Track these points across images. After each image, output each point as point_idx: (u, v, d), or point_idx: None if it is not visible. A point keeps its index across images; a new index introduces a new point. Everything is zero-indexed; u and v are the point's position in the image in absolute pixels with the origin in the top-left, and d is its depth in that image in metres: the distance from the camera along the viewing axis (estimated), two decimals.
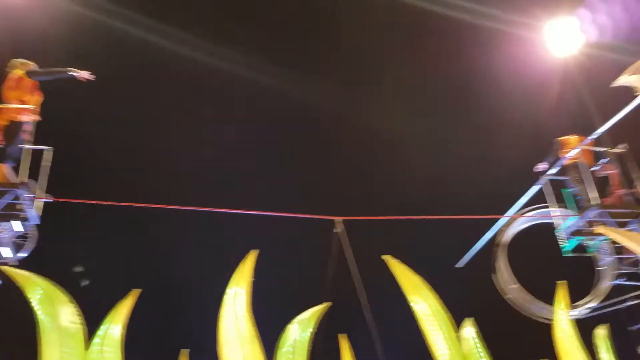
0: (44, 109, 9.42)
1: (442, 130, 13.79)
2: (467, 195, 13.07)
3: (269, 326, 8.38)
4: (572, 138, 10.96)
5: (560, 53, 12.43)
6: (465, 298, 11.05)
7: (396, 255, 10.27)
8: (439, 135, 13.78)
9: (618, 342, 10.53)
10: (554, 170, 10.65)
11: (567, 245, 10.37)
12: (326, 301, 9.27)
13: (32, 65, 9.55)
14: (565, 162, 10.63)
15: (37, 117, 9.37)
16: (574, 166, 10.52)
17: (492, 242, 11.34)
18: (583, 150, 10.51)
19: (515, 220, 11.30)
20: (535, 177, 10.75)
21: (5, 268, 7.41)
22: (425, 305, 7.55)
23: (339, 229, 10.05)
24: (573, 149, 10.61)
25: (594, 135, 10.19)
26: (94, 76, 9.41)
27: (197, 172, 13.13)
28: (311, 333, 7.93)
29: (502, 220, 11.19)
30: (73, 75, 9.30)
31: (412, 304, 7.64)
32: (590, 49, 12.33)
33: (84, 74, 9.34)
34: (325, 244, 10.04)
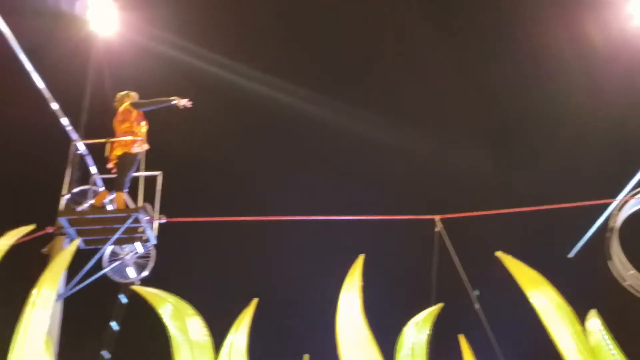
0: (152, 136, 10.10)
1: (536, 114, 13.28)
2: (572, 181, 12.51)
3: (380, 330, 8.45)
4: None
5: None
6: (580, 289, 10.59)
7: (503, 250, 10.04)
8: (535, 118, 13.29)
9: None
10: None
11: None
12: (435, 302, 9.20)
13: (135, 96, 10.23)
14: None
15: (146, 146, 10.04)
16: None
17: (604, 228, 10.82)
18: None
19: (626, 203, 10.71)
20: None
21: (135, 287, 8.01)
22: (545, 299, 7.28)
23: (439, 227, 9.99)
24: None
25: None
26: (191, 102, 9.98)
27: (300, 184, 13.54)
28: (428, 335, 7.88)
29: (613, 205, 10.65)
30: (175, 103, 9.90)
31: (531, 300, 7.39)
32: None
33: (183, 102, 9.93)
34: (428, 244, 10.01)
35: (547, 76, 13.70)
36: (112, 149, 9.93)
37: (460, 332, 8.86)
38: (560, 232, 11.46)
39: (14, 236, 6.00)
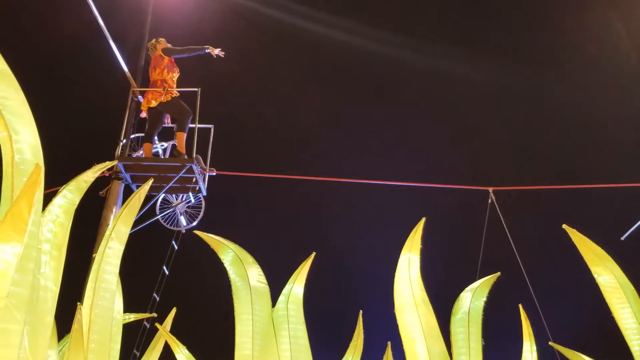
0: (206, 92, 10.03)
1: (606, 95, 12.93)
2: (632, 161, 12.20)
3: (429, 293, 8.47)
4: None
5: None
6: (632, 272, 10.44)
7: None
8: (602, 99, 12.94)
9: None
10: None
11: None
12: (482, 271, 9.20)
13: (165, 42, 10.07)
14: None
15: (176, 93, 9.90)
16: None
17: None
18: None
19: None
20: None
21: (199, 233, 8.13)
22: (610, 277, 7.25)
23: (492, 199, 9.93)
24: None
25: None
26: (224, 52, 9.84)
27: (363, 143, 13.41)
28: (484, 301, 7.97)
29: None
30: (208, 52, 9.74)
31: (595, 275, 7.37)
32: None
33: (216, 51, 9.77)
34: (481, 214, 9.96)
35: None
36: (146, 100, 9.91)
37: (508, 303, 8.88)
38: (616, 213, 11.24)
39: (99, 170, 6.12)
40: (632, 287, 7.37)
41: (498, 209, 9.89)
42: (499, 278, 8.74)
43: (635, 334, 6.97)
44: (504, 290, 9.45)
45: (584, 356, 7.86)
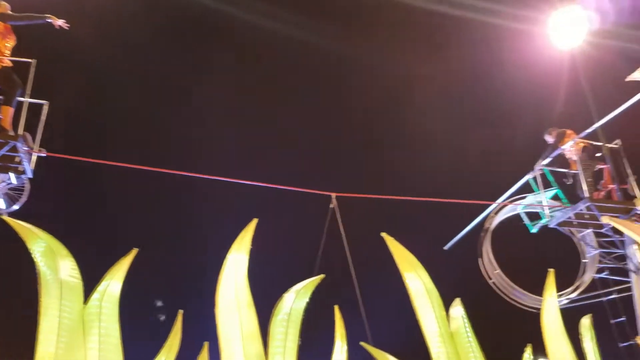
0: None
1: (447, 120, 13.92)
2: (466, 181, 13.27)
3: (261, 294, 8.49)
4: (571, 131, 11.16)
5: (565, 45, 12.02)
6: (450, 280, 11.33)
7: (388, 234, 10.46)
8: (444, 124, 13.92)
9: (600, 336, 10.75)
10: (548, 160, 10.84)
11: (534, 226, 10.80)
12: (319, 273, 9.41)
13: (7, 7, 9.22)
14: (564, 153, 10.88)
15: (7, 63, 9.06)
16: (573, 159, 10.80)
17: (480, 227, 11.59)
18: (577, 144, 10.74)
19: (503, 208, 11.53)
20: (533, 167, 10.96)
21: (7, 219, 7.36)
22: (419, 283, 7.77)
23: (334, 204, 10.17)
24: (569, 141, 10.81)
25: (589, 130, 10.41)
26: (69, 25, 9.23)
27: (203, 141, 13.00)
28: (306, 303, 8.11)
29: (491, 207, 11.43)
30: (50, 22, 9.09)
31: (406, 281, 7.86)
32: (595, 38, 12.09)
33: (60, 22, 9.16)
34: (322, 218, 10.16)
35: (421, 90, 14.30)
36: None
37: (338, 304, 9.17)
38: (442, 224, 12.17)
39: None
40: (437, 294, 7.96)
41: (338, 214, 10.14)
42: (330, 280, 8.99)
43: (435, 337, 7.54)
44: (336, 293, 9.76)
45: (389, 356, 8.31)
